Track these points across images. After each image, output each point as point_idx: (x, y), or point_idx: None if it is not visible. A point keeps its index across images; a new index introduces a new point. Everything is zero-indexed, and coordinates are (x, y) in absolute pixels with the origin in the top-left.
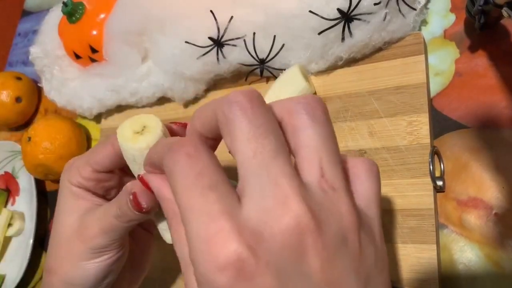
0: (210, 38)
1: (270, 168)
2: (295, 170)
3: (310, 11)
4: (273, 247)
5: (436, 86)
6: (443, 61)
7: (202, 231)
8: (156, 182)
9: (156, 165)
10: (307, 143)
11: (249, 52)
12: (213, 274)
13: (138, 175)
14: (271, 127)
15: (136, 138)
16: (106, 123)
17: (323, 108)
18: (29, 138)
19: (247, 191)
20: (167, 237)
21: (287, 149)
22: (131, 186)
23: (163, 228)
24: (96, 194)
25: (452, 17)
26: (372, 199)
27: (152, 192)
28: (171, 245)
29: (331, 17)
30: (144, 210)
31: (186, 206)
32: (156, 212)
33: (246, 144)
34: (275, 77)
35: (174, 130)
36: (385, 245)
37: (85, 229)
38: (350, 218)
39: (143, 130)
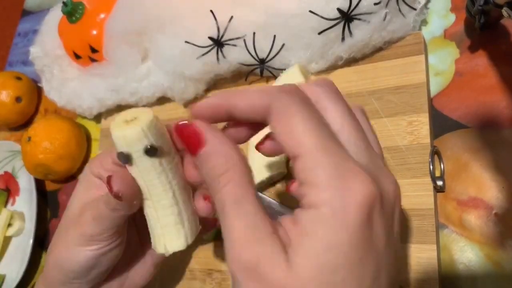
0: (210, 38)
1: (365, 140)
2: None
3: (310, 11)
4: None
5: (436, 86)
6: (443, 61)
7: (335, 168)
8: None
9: (221, 113)
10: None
11: (249, 52)
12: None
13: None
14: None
15: (119, 125)
16: (106, 123)
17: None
18: (29, 138)
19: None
20: (161, 243)
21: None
22: (113, 171)
23: (154, 232)
24: None
25: (452, 17)
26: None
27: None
28: None
29: (331, 17)
30: (114, 193)
31: (313, 146)
32: (149, 211)
33: (343, 117)
34: (275, 77)
35: (171, 131)
36: None
37: (81, 215)
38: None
39: (132, 120)
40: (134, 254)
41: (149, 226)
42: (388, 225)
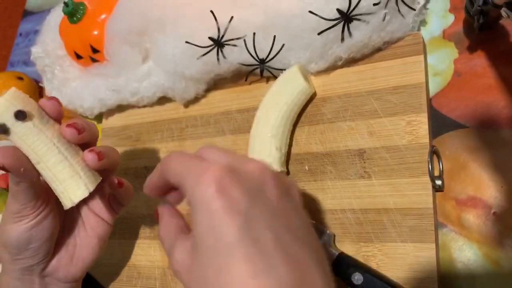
0: (210, 38)
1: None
2: None
3: (310, 12)
4: (244, 177)
5: (435, 86)
6: (442, 61)
7: (199, 172)
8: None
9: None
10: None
11: (249, 52)
12: (204, 190)
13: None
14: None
15: None
16: (107, 123)
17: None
18: None
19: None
20: (66, 197)
21: None
22: None
23: (57, 192)
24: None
25: (451, 17)
26: None
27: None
28: None
29: (331, 17)
30: None
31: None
32: (44, 173)
33: None
34: (275, 77)
35: (41, 103)
36: None
37: (8, 198)
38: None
39: None
40: (77, 230)
41: (52, 188)
42: (249, 188)
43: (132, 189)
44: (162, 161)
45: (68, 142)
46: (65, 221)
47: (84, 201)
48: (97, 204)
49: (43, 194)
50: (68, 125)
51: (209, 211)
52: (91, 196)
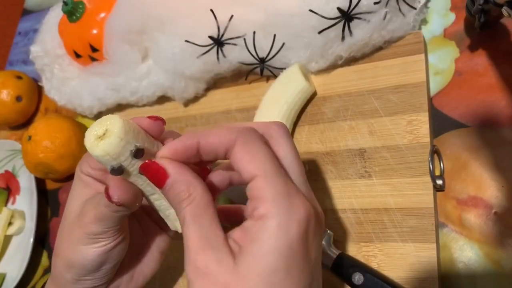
0: (210, 37)
1: (303, 172)
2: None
3: (310, 10)
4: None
5: (436, 85)
6: (443, 60)
7: (285, 188)
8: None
9: (193, 152)
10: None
11: (249, 51)
12: (293, 224)
13: (112, 171)
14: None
15: (96, 144)
16: None
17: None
18: (30, 137)
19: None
20: (174, 224)
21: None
22: (107, 180)
23: (171, 217)
24: (103, 182)
25: (452, 16)
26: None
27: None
28: (172, 245)
29: (331, 16)
30: (115, 202)
31: (270, 169)
32: (159, 203)
33: (292, 151)
34: (275, 76)
35: (147, 126)
36: None
37: (83, 215)
38: (321, 210)
39: (104, 134)
40: (139, 245)
41: (161, 214)
42: (318, 243)
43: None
44: (199, 134)
45: None
46: (131, 241)
47: (147, 213)
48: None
49: (126, 218)
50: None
51: (288, 246)
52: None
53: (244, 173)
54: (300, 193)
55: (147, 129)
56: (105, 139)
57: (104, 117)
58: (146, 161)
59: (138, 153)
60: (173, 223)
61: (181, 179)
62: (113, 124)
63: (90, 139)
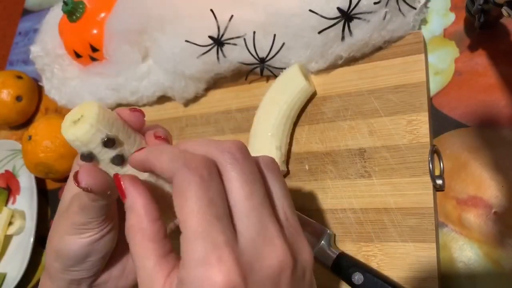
0: (210, 37)
1: (260, 212)
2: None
3: (310, 10)
4: (259, 278)
5: (435, 85)
6: (443, 60)
7: (203, 255)
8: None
9: (146, 168)
10: (276, 193)
11: (249, 51)
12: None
13: (114, 175)
14: (258, 176)
15: (69, 128)
16: None
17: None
18: (30, 137)
19: (242, 228)
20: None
21: (264, 193)
22: (80, 166)
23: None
24: None
25: (452, 16)
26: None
27: (123, 193)
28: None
29: (331, 16)
30: (83, 187)
31: (192, 229)
32: None
33: (240, 188)
34: (275, 76)
35: (126, 117)
36: None
37: (70, 205)
38: (309, 257)
39: (79, 120)
40: None
41: None
42: None
43: None
44: (153, 152)
45: None
46: (120, 232)
47: None
48: None
49: (112, 210)
50: (158, 137)
51: None
52: None
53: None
54: (225, 256)
55: (127, 120)
56: (78, 124)
57: (84, 103)
58: (117, 175)
59: (108, 143)
60: None
61: (133, 206)
62: (89, 110)
63: (65, 123)
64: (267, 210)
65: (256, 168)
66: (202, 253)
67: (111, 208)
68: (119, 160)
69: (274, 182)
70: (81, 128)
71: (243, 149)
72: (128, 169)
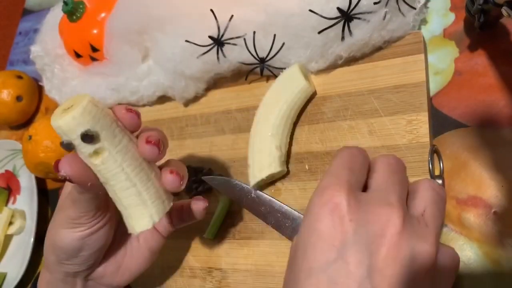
0: (210, 37)
1: (390, 185)
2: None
3: (310, 10)
4: (363, 219)
5: (435, 85)
6: (443, 60)
7: (325, 184)
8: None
9: None
10: (424, 196)
11: (249, 51)
12: (318, 206)
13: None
14: (402, 175)
15: (58, 116)
16: None
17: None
18: (30, 137)
19: (370, 184)
20: (130, 224)
21: (405, 188)
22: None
23: (122, 214)
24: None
25: (451, 16)
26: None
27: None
28: (171, 245)
29: (331, 16)
30: (62, 176)
31: (329, 170)
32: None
33: (381, 169)
34: (275, 76)
35: (120, 114)
36: None
37: (65, 200)
38: (429, 253)
39: (68, 108)
40: (128, 240)
41: (118, 208)
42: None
43: (202, 210)
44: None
45: (143, 165)
46: (118, 229)
47: None
48: None
49: (104, 205)
50: (148, 142)
51: None
52: None
53: None
54: (341, 188)
55: (120, 118)
56: (64, 113)
57: (79, 95)
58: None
59: (85, 137)
60: (126, 222)
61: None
62: (78, 103)
63: (57, 111)
64: (398, 189)
65: (405, 173)
66: (325, 183)
67: (101, 204)
68: (96, 156)
69: (427, 190)
70: (64, 118)
71: (399, 160)
72: (106, 167)
